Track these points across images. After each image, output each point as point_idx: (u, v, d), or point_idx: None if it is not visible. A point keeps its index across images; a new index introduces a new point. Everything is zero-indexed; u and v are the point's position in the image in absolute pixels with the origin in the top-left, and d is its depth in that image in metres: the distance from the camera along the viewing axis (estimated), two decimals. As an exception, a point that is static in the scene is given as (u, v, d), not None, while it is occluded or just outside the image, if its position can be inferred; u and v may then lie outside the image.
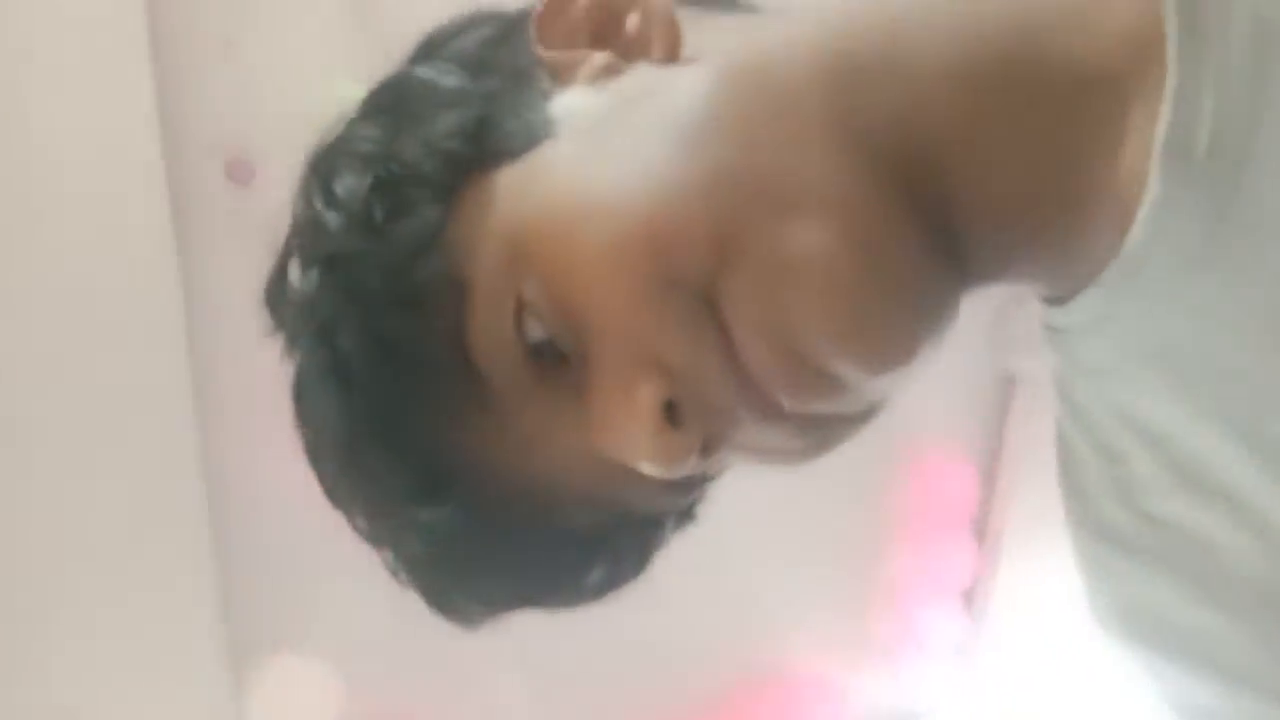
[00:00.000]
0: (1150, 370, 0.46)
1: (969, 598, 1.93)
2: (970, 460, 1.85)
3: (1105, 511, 0.50)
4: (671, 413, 0.46)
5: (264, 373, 0.52)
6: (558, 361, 0.47)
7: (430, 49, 0.54)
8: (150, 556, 1.34)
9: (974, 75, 0.45)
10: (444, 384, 0.48)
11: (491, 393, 0.48)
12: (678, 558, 0.56)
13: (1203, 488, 0.46)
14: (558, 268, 0.46)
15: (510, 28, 0.53)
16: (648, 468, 0.47)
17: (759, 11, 0.53)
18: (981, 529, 1.89)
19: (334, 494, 0.52)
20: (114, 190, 1.25)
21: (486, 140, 0.49)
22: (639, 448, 0.46)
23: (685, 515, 0.56)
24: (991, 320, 1.69)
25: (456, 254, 0.47)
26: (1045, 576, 1.75)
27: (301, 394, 0.51)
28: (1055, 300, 0.48)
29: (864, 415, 0.49)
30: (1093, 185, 0.44)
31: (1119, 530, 0.50)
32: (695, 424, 0.46)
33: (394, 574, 0.53)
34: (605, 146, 0.47)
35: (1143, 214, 0.42)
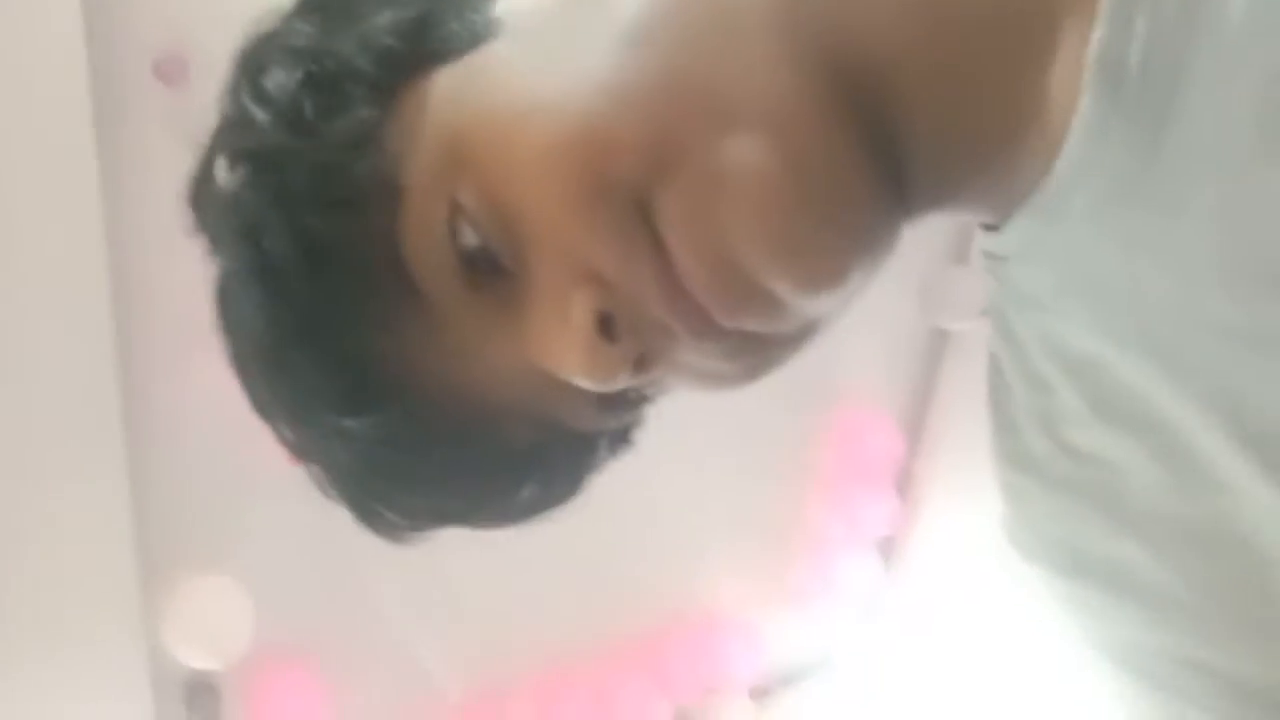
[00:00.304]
0: (1077, 297, 0.46)
1: (886, 549, 1.96)
2: (894, 414, 1.87)
3: (1028, 441, 0.50)
4: (606, 325, 0.45)
5: (186, 285, 0.50)
6: (493, 271, 0.46)
7: None
8: (63, 470, 1.31)
9: None
10: (374, 289, 0.46)
11: (424, 301, 0.47)
12: (599, 495, 0.56)
13: (1120, 418, 0.46)
14: (493, 171, 0.45)
15: None
16: (580, 381, 0.46)
17: None
18: (904, 483, 1.92)
19: (258, 402, 0.51)
20: (32, 86, 1.20)
21: (426, 38, 0.47)
22: (572, 360, 0.46)
23: (621, 438, 0.55)
24: (924, 278, 1.71)
25: (391, 155, 0.46)
26: (965, 532, 1.79)
27: (224, 297, 0.50)
28: (992, 226, 0.47)
29: (799, 337, 0.48)
30: (1028, 105, 0.44)
31: (1039, 460, 0.50)
32: (629, 338, 0.46)
33: (321, 487, 0.52)
34: (546, 48, 0.46)
35: (1071, 137, 0.42)
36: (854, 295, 0.46)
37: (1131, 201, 0.42)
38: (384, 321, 0.47)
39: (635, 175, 0.43)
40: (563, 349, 0.46)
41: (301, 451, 0.51)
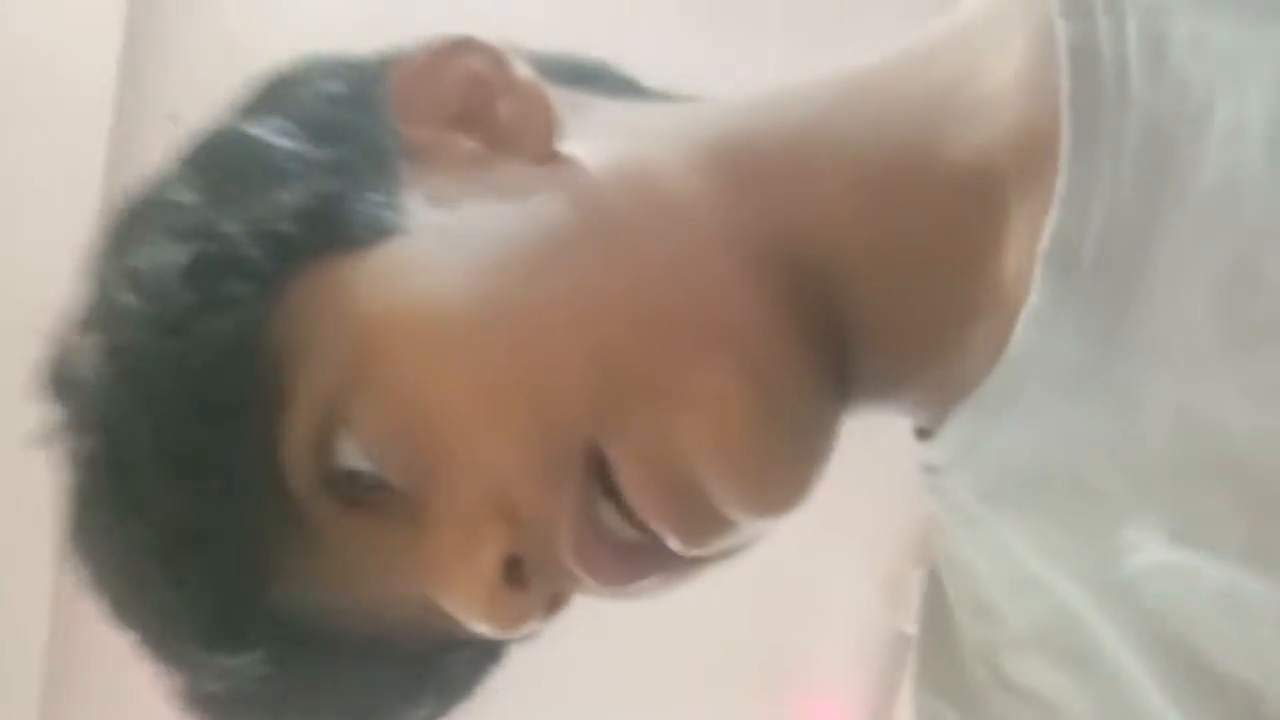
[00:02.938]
0: (1017, 508, 0.42)
1: None
2: (857, 708, 1.68)
3: (964, 671, 0.47)
4: (514, 570, 0.40)
5: None
6: (377, 489, 0.41)
7: (266, 99, 0.46)
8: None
9: (872, 181, 0.42)
10: (248, 507, 0.41)
11: (305, 520, 0.41)
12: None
13: (1059, 651, 0.43)
14: (400, 389, 0.40)
15: (364, 84, 0.45)
16: (483, 629, 0.41)
17: (649, 96, 0.49)
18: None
19: (117, 620, 0.44)
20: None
21: (328, 225, 0.42)
22: (474, 608, 0.41)
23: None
24: (888, 576, 1.62)
25: (275, 355, 0.40)
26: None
27: (80, 505, 0.43)
28: (930, 434, 0.44)
29: (734, 552, 0.44)
30: (980, 295, 0.41)
31: (971, 691, 0.46)
32: (540, 584, 0.41)
33: (185, 705, 0.45)
34: (470, 254, 0.41)
35: (1018, 332, 0.38)
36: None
37: (1083, 398, 0.38)
38: (258, 543, 0.41)
39: (578, 405, 0.40)
40: (465, 593, 0.41)
41: (163, 667, 0.44)
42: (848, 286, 0.42)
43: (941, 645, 0.47)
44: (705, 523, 0.41)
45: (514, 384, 0.40)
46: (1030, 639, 0.44)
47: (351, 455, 0.41)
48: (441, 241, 0.42)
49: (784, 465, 0.41)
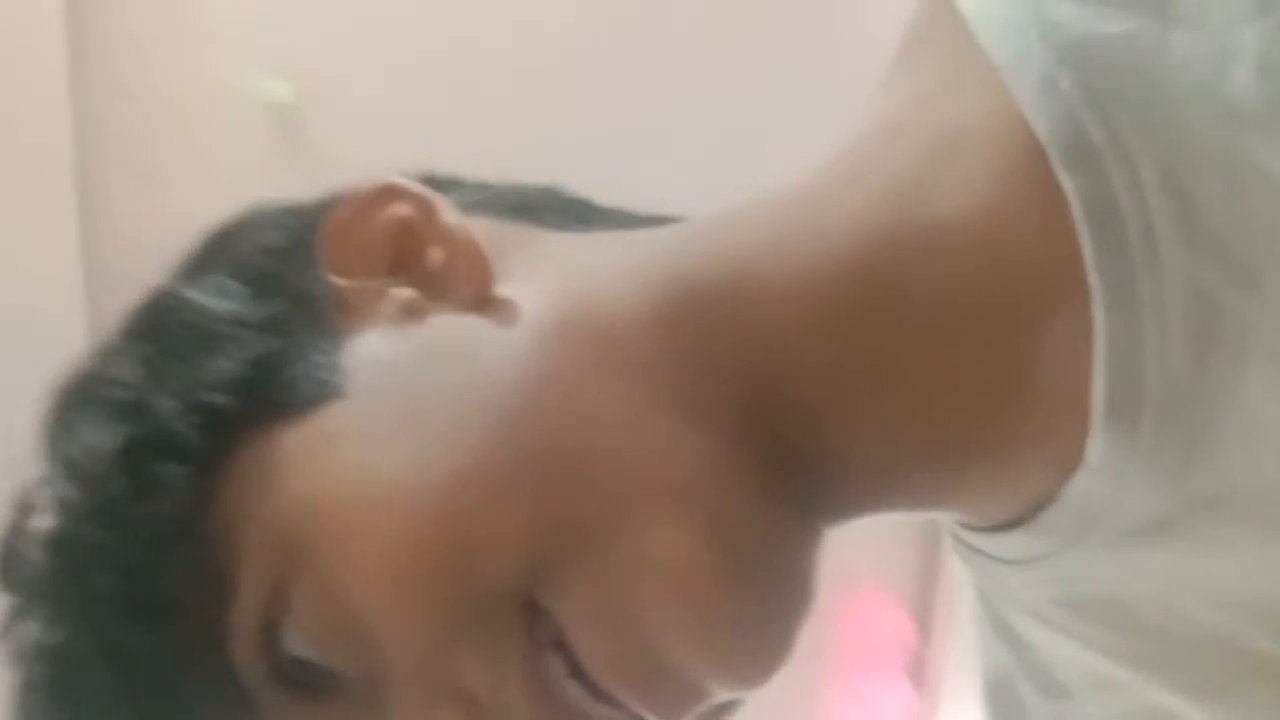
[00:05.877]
0: (1102, 621, 0.41)
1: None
2: (903, 603, 1.80)
3: None
4: None
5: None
6: (334, 676, 0.39)
7: (211, 253, 0.44)
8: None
9: (834, 311, 0.38)
10: (197, 707, 0.39)
11: (259, 713, 0.39)
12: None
13: None
14: (330, 575, 0.37)
15: (302, 233, 0.43)
16: None
17: (602, 221, 0.45)
18: (918, 672, 1.79)
19: None
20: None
21: (263, 393, 0.39)
22: None
23: None
24: None
25: (217, 542, 0.38)
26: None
27: (27, 699, 0.41)
28: (970, 524, 0.42)
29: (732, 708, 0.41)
30: (998, 428, 0.38)
31: None
32: None
33: None
34: (402, 414, 0.39)
35: (1082, 476, 0.37)
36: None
37: (1169, 544, 0.37)
38: None
39: (515, 572, 0.37)
40: None
41: None
42: (816, 420, 0.39)
43: (1014, 710, 0.47)
44: (674, 695, 0.38)
45: (441, 556, 0.37)
46: None
47: (299, 643, 0.38)
48: (374, 405, 0.39)
49: (757, 632, 0.38)
